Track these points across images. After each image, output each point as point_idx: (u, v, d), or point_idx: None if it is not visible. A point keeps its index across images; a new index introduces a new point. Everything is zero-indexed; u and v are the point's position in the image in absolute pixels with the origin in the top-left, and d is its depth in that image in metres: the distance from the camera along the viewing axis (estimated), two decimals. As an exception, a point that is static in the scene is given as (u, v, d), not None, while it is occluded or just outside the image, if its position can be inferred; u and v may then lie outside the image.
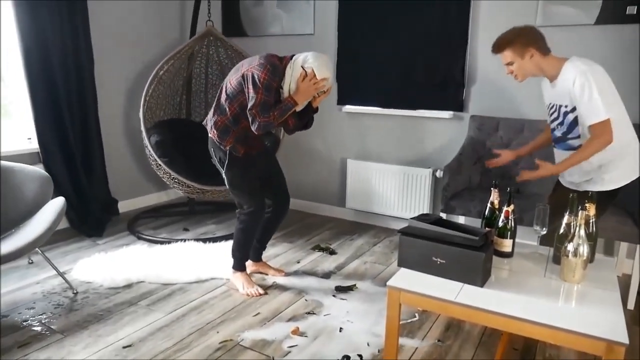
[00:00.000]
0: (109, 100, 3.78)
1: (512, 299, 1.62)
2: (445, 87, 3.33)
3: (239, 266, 2.67)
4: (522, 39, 2.10)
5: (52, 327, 2.24)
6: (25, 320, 2.29)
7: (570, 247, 1.68)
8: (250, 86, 2.30)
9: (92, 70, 3.51)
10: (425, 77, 3.38)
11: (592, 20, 2.82)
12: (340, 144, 3.89)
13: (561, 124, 2.17)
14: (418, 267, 1.80)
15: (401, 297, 1.72)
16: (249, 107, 2.32)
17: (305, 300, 2.55)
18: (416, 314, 2.38)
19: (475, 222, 2.39)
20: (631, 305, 2.50)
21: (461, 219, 2.95)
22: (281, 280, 2.78)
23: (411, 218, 1.92)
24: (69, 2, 3.26)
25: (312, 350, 2.09)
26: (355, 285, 2.70)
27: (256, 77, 2.29)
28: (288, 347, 2.11)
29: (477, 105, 3.26)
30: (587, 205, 1.77)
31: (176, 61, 3.65)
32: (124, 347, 2.09)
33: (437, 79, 3.34)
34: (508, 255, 1.92)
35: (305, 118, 2.55)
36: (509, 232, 1.90)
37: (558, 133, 2.22)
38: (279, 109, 2.33)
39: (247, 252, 2.69)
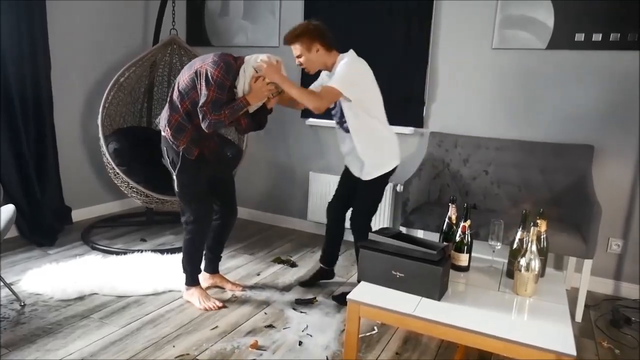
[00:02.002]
0: (66, 106, 3.66)
1: (468, 313, 1.66)
2: (406, 104, 3.42)
3: (192, 281, 2.59)
4: (309, 34, 2.37)
5: (-5, 342, 2.12)
6: (-34, 335, 2.16)
7: (522, 261, 1.75)
8: (203, 83, 2.26)
9: (49, 75, 3.40)
10: (387, 93, 3.43)
11: (544, 45, 2.97)
12: (303, 156, 3.91)
13: (333, 108, 2.50)
14: (378, 281, 1.82)
15: (361, 311, 1.74)
16: (200, 103, 2.28)
17: (265, 313, 2.53)
18: (375, 327, 2.40)
19: (434, 237, 2.46)
20: (579, 317, 2.62)
21: (420, 233, 3.02)
22: (241, 292, 2.75)
23: (371, 232, 1.95)
24: (26, 3, 3.15)
25: (271, 364, 2.07)
26: (315, 298, 2.70)
27: (209, 74, 2.25)
28: (247, 361, 2.08)
29: (437, 122, 3.36)
30: (538, 221, 1.85)
31: (138, 68, 3.58)
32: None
33: (399, 95, 3.42)
34: (465, 269, 1.98)
35: (259, 118, 2.52)
36: (465, 247, 1.96)
37: (335, 119, 2.57)
38: (230, 107, 2.29)
39: (197, 264, 2.60)
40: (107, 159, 3.20)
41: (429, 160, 3.23)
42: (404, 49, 3.36)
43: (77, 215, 3.80)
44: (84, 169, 3.92)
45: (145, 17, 4.23)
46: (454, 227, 2.04)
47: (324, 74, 2.57)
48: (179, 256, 3.13)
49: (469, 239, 1.97)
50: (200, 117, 2.30)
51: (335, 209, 2.78)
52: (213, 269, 2.78)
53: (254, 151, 4.04)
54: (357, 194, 2.62)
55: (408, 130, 3.41)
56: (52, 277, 2.73)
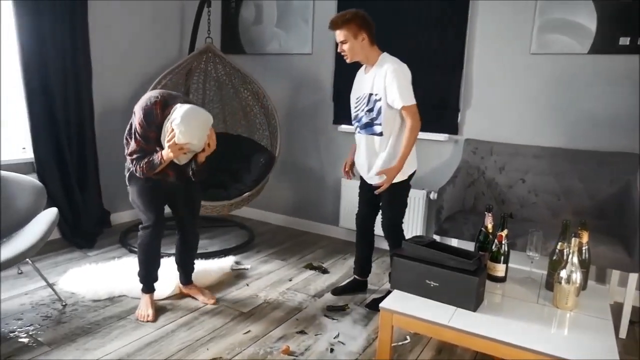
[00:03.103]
0: (106, 113, 3.78)
1: (505, 324, 1.62)
2: (441, 110, 3.37)
3: (143, 286, 2.53)
4: (358, 21, 2.35)
5: (39, 339, 2.20)
6: (13, 332, 2.25)
7: (563, 273, 1.69)
8: (132, 129, 2.23)
9: (90, 84, 3.52)
10: (421, 99, 3.40)
11: (585, 50, 2.88)
12: (335, 163, 3.90)
13: (371, 110, 2.45)
14: (411, 290, 1.80)
15: (394, 320, 1.72)
16: (127, 151, 2.27)
17: (297, 319, 2.53)
18: (408, 337, 2.36)
19: (468, 245, 2.41)
20: (623, 334, 2.51)
21: (454, 242, 2.96)
22: (273, 298, 2.76)
23: (405, 240, 1.93)
24: (70, 16, 3.29)
25: (303, 370, 2.07)
26: (347, 305, 2.69)
27: (134, 123, 2.22)
28: (278, 366, 2.09)
29: (472, 129, 3.30)
30: (580, 232, 1.79)
31: (174, 76, 3.67)
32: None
33: (433, 101, 3.38)
34: (501, 280, 1.93)
35: (189, 171, 2.37)
36: (502, 257, 1.91)
37: (366, 119, 2.49)
38: (147, 162, 2.22)
39: (149, 272, 2.52)
40: (144, 164, 3.28)
41: (463, 167, 3.17)
42: (438, 53, 3.32)
43: (116, 218, 3.91)
44: (123, 174, 4.03)
45: (181, 26, 4.34)
46: (490, 237, 2.00)
47: (360, 76, 2.56)
48: (213, 261, 3.19)
49: (506, 249, 1.92)
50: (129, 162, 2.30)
51: (364, 218, 2.75)
52: (185, 281, 2.73)
53: (286, 157, 4.07)
54: (384, 201, 2.58)
55: (442, 137, 3.36)
56: (88, 278, 2.81)
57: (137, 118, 2.20)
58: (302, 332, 2.39)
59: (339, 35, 2.38)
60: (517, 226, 2.60)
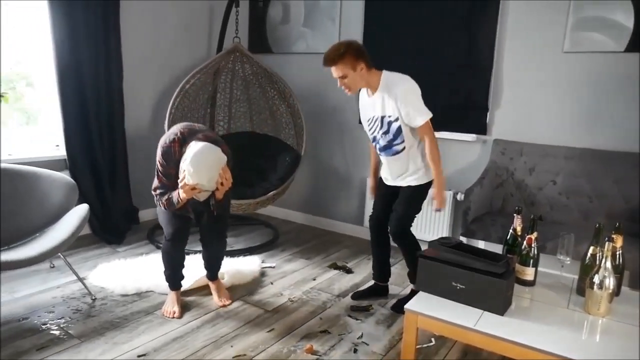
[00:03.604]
0: (136, 112, 3.86)
1: (534, 329, 1.58)
2: (469, 110, 3.32)
3: (169, 285, 2.57)
4: (353, 52, 2.26)
5: (69, 331, 2.27)
6: (45, 324, 2.32)
7: (595, 278, 1.64)
8: (156, 168, 2.28)
9: (121, 83, 3.60)
10: (449, 99, 3.37)
11: (621, 48, 2.78)
12: (360, 162, 3.89)
13: (386, 132, 2.39)
14: (437, 292, 1.78)
15: (419, 321, 1.70)
16: (152, 186, 2.32)
17: (320, 318, 2.53)
18: (432, 339, 2.33)
19: (495, 248, 2.36)
20: (657, 341, 2.41)
21: (481, 244, 2.91)
22: (297, 296, 2.77)
23: (431, 241, 1.91)
24: (102, 17, 3.36)
25: (326, 370, 2.07)
26: (371, 306, 2.67)
27: (157, 161, 2.26)
28: (301, 365, 2.09)
29: (501, 129, 3.23)
30: (613, 236, 1.73)
31: (202, 75, 3.72)
32: (139, 356, 2.09)
33: (460, 101, 3.33)
34: (530, 283, 1.89)
35: (211, 208, 2.40)
36: (531, 260, 1.87)
37: (383, 142, 2.44)
38: (167, 200, 2.26)
39: (174, 272, 2.56)
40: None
41: (491, 168, 3.11)
42: (467, 52, 3.26)
43: (144, 215, 3.98)
44: (151, 171, 4.09)
45: (210, 26, 4.39)
46: (519, 239, 1.95)
47: (364, 100, 2.49)
48: (237, 259, 3.22)
49: (536, 252, 1.88)
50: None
51: (379, 219, 2.65)
52: (211, 277, 2.72)
53: (311, 156, 4.07)
54: (401, 200, 2.51)
55: (470, 137, 3.30)
56: (117, 273, 2.87)
57: (157, 156, 2.25)
58: (325, 332, 2.38)
59: (337, 71, 2.28)
60: (547, 229, 2.54)
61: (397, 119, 2.33)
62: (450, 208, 3.37)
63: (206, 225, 2.57)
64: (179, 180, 2.18)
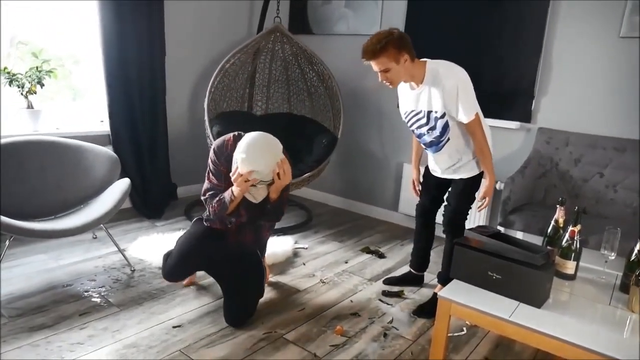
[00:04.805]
0: (177, 90, 3.92)
1: (571, 324, 1.53)
2: (513, 97, 3.20)
3: None
4: (396, 44, 2.06)
5: (109, 299, 2.36)
6: (87, 291, 2.43)
7: (642, 275, 1.57)
8: (207, 169, 2.17)
9: (164, 61, 3.66)
10: (493, 84, 3.26)
11: (684, 34, 2.61)
12: (397, 147, 3.83)
13: (433, 128, 2.23)
14: (472, 280, 1.75)
15: (452, 309, 1.68)
16: (202, 190, 2.19)
17: (351, 301, 2.54)
18: (464, 328, 2.30)
19: (534, 240, 2.29)
20: None
21: (519, 235, 2.83)
22: (329, 278, 2.78)
23: (468, 229, 1.87)
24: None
25: (354, 352, 2.08)
26: (402, 291, 2.65)
27: (209, 160, 2.14)
28: (330, 345, 2.11)
29: (547, 117, 3.10)
30: (664, 232, 1.64)
31: (242, 55, 3.73)
32: (174, 327, 2.16)
33: (505, 87, 3.22)
34: (570, 277, 1.82)
35: (266, 211, 2.18)
36: (573, 254, 1.80)
37: (429, 138, 2.28)
38: (219, 200, 2.08)
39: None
40: (210, 140, 3.39)
41: (534, 157, 3.00)
42: (515, 36, 3.13)
43: (182, 192, 4.08)
44: (190, 149, 4.19)
45: (251, 6, 4.39)
46: (561, 231, 1.89)
47: (406, 90, 2.30)
48: (271, 239, 3.23)
49: (578, 246, 1.81)
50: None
51: (426, 209, 2.58)
52: None
53: (348, 140, 4.05)
54: (452, 191, 2.44)
55: (513, 124, 3.19)
56: (156, 246, 2.96)
57: (210, 154, 2.14)
58: (356, 315, 2.39)
59: (377, 65, 2.09)
60: (591, 222, 2.44)
61: (443, 115, 2.16)
62: (488, 197, 3.28)
63: (227, 284, 2.25)
64: (231, 174, 2.03)
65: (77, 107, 3.55)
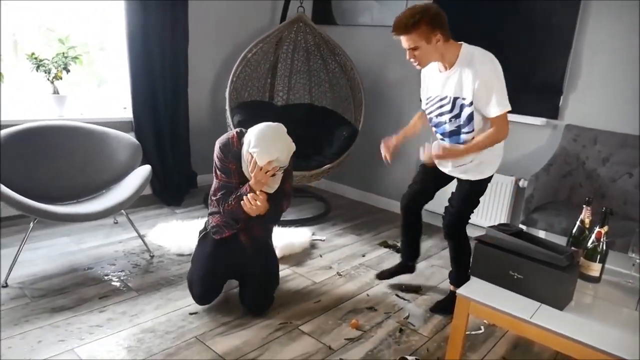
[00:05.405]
0: (199, 79, 3.93)
1: (596, 328, 1.49)
2: (540, 92, 3.12)
3: None
4: (429, 20, 1.91)
5: (129, 284, 2.39)
6: (107, 275, 2.47)
7: (671, 281, 1.51)
8: (213, 169, 2.14)
9: (187, 49, 3.67)
10: (519, 79, 3.18)
11: None
12: (417, 141, 3.76)
13: (457, 117, 2.04)
14: (492, 279, 1.71)
15: (470, 308, 1.65)
16: (210, 192, 2.16)
17: (367, 295, 2.52)
18: (482, 327, 2.27)
19: (557, 240, 2.23)
20: None
21: (541, 234, 2.76)
22: (345, 271, 2.77)
23: (489, 227, 1.83)
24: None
25: (369, 346, 2.06)
26: (420, 287, 2.63)
27: (215, 158, 2.10)
28: (346, 339, 2.10)
29: (575, 114, 3.01)
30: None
31: (265, 45, 3.72)
32: (191, 314, 2.18)
33: (531, 81, 3.13)
34: (595, 280, 1.77)
35: (279, 201, 2.17)
36: (598, 256, 1.75)
37: (450, 127, 2.09)
38: (236, 197, 2.05)
39: None
40: (231, 129, 3.39)
41: (560, 155, 2.92)
42: (543, 27, 3.04)
43: (202, 180, 4.10)
44: (211, 138, 4.16)
45: (275, -5, 4.37)
46: (587, 232, 1.83)
47: (431, 72, 2.13)
48: (289, 230, 3.25)
49: (604, 248, 1.75)
50: (216, 208, 2.17)
51: (415, 203, 2.46)
52: None
53: (368, 132, 4.00)
54: (458, 195, 2.27)
55: (539, 121, 3.11)
56: (174, 233, 2.99)
57: (215, 152, 2.12)
58: (371, 309, 2.38)
59: (407, 41, 1.94)
60: (618, 224, 2.37)
61: (471, 103, 1.99)
62: (510, 194, 3.21)
63: (247, 291, 2.24)
64: (249, 170, 2.02)
65: (101, 94, 3.60)
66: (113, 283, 2.40)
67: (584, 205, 1.86)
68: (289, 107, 4.10)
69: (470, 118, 2.03)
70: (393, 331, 2.20)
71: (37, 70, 3.01)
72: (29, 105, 3.21)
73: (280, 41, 3.93)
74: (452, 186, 2.36)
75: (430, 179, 2.38)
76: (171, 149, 3.70)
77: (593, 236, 1.76)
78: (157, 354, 1.88)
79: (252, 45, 3.60)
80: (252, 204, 2.00)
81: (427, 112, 2.24)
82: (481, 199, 2.28)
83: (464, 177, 2.22)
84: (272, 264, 2.33)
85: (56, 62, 3.06)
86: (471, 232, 2.33)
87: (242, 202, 2.03)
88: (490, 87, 1.94)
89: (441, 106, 2.11)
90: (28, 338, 1.90)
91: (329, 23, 4.14)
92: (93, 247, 2.78)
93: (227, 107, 3.45)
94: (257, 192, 2.02)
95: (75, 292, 2.28)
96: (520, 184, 3.17)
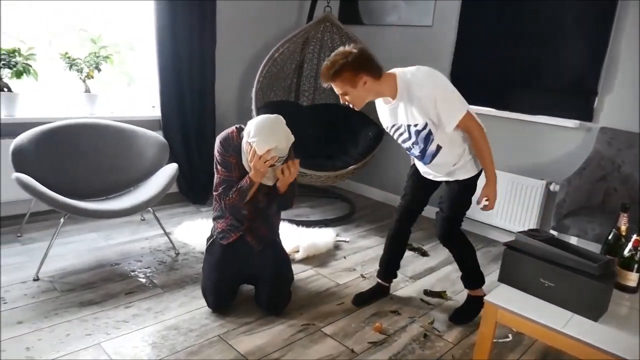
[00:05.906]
0: (226, 78, 3.96)
1: (631, 341, 1.42)
2: (574, 93, 3.02)
3: None
4: (350, 67, 1.87)
5: (154, 281, 2.42)
6: (133, 271, 2.51)
7: None
8: (214, 165, 2.15)
9: (214, 49, 3.69)
10: (551, 80, 3.09)
11: None
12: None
13: (416, 143, 2.06)
14: (521, 286, 1.66)
15: (498, 315, 1.60)
16: (213, 188, 2.17)
17: (391, 298, 2.49)
18: (510, 335, 2.20)
19: (590, 247, 2.15)
20: None
21: (573, 240, 2.68)
22: (369, 273, 2.74)
23: (519, 232, 1.77)
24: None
25: (393, 350, 2.03)
26: (445, 292, 2.58)
27: (215, 153, 2.13)
28: (369, 342, 2.07)
29: (610, 117, 2.90)
30: None
31: (291, 45, 3.72)
32: (213, 312, 2.19)
33: (565, 83, 3.04)
34: (632, 290, 1.69)
35: (284, 193, 2.18)
36: (636, 265, 1.68)
37: (417, 151, 2.10)
38: (237, 190, 2.07)
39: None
40: (257, 129, 3.40)
41: (594, 159, 2.82)
42: (578, 28, 2.94)
43: (227, 179, 4.13)
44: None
45: (302, -5, 4.36)
46: (623, 240, 1.75)
47: (381, 105, 2.12)
48: (312, 230, 3.24)
49: (642, 256, 1.67)
50: (218, 203, 2.18)
51: (410, 214, 2.39)
52: None
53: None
54: (448, 198, 2.20)
55: (571, 123, 3.01)
56: (199, 231, 3.01)
57: (216, 147, 2.14)
58: (395, 313, 2.34)
59: (335, 87, 1.96)
60: (655, 232, 2.26)
61: (425, 126, 1.97)
62: (540, 198, 3.12)
63: (263, 292, 2.23)
64: (247, 159, 2.05)
65: (130, 93, 3.66)
66: (139, 279, 2.43)
67: (621, 212, 1.78)
68: (314, 107, 4.09)
69: (428, 136, 2.00)
70: (417, 336, 2.16)
71: (70, 70, 3.09)
72: (62, 104, 3.29)
73: (306, 41, 3.92)
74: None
75: (419, 187, 2.34)
76: (197, 148, 3.74)
77: (630, 244, 1.69)
78: (180, 351, 1.90)
79: (278, 44, 3.61)
80: (288, 172, 2.04)
81: (393, 136, 2.20)
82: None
83: (451, 179, 2.16)
84: (282, 262, 2.30)
85: (88, 61, 3.13)
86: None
87: (275, 172, 2.07)
88: (438, 106, 1.91)
89: (400, 134, 2.10)
90: (57, 331, 1.95)
91: (356, 23, 4.11)
92: (120, 243, 2.83)
93: (253, 106, 3.47)
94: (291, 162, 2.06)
95: (102, 287, 2.32)
96: (551, 188, 3.07)
